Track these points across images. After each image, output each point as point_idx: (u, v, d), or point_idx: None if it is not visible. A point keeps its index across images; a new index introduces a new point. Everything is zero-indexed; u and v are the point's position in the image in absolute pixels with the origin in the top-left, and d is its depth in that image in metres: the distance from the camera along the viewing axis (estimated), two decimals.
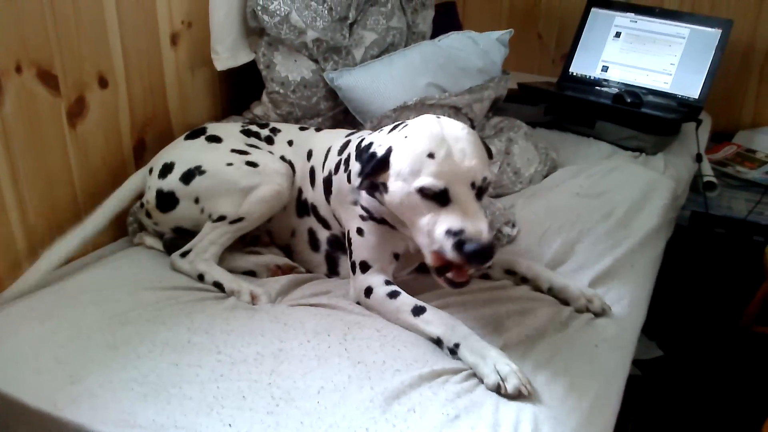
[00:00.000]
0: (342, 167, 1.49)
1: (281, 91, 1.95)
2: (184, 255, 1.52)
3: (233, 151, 1.57)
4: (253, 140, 1.66)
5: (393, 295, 1.36)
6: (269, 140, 1.69)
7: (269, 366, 1.21)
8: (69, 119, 1.56)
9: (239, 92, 2.10)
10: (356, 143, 1.49)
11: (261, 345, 1.26)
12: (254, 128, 1.72)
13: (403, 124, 1.37)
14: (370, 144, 1.38)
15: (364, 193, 1.41)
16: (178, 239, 1.59)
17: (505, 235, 1.71)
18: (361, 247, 1.44)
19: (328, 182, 1.53)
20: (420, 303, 1.33)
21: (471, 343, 1.23)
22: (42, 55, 1.46)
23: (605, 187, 1.94)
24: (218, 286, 1.47)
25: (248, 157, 1.56)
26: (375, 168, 1.32)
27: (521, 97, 2.43)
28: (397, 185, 1.29)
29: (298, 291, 1.48)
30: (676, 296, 2.34)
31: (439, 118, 1.35)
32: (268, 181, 1.54)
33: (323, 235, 1.57)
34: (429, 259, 1.27)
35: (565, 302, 1.43)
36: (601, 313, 1.40)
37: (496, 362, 1.17)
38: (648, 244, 1.73)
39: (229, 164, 1.53)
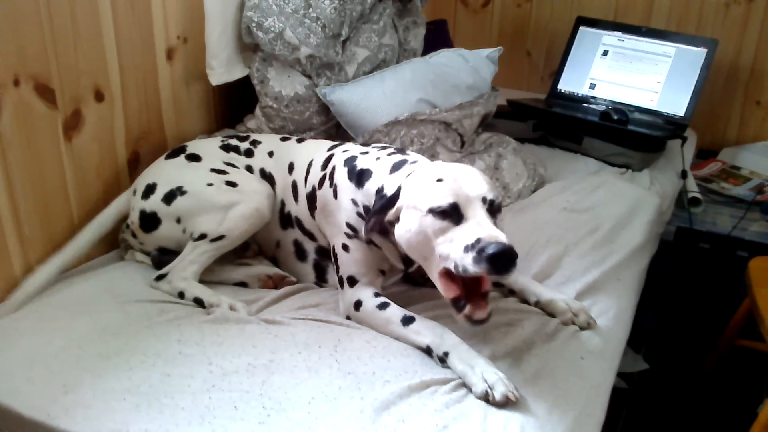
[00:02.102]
0: (327, 182, 1.52)
1: (274, 105, 1.98)
2: (160, 278, 1.53)
3: (213, 170, 1.60)
4: (232, 155, 1.68)
5: (382, 306, 1.38)
6: (249, 153, 1.70)
7: (260, 377, 1.22)
8: (65, 132, 1.57)
9: (233, 106, 2.12)
10: (343, 158, 1.52)
11: (252, 356, 1.28)
12: (234, 142, 1.73)
13: (408, 170, 1.38)
14: (378, 183, 1.40)
15: (354, 215, 1.44)
16: (163, 256, 1.61)
17: None
18: (348, 263, 1.46)
19: (311, 198, 1.55)
20: (409, 313, 1.35)
21: (460, 352, 1.25)
22: (39, 69, 1.48)
23: (592, 202, 1.97)
24: (198, 301, 1.48)
25: (228, 177, 1.59)
26: (384, 205, 1.33)
27: (510, 113, 2.44)
28: (408, 214, 1.29)
29: (288, 302, 1.50)
30: (662, 310, 2.37)
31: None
32: (247, 199, 1.56)
33: (310, 245, 1.59)
34: (443, 290, 1.25)
35: (551, 315, 1.45)
36: (587, 326, 1.43)
37: (483, 371, 1.20)
38: (633, 259, 1.76)
39: (210, 184, 1.56)
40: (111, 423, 1.11)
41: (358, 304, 1.40)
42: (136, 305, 1.43)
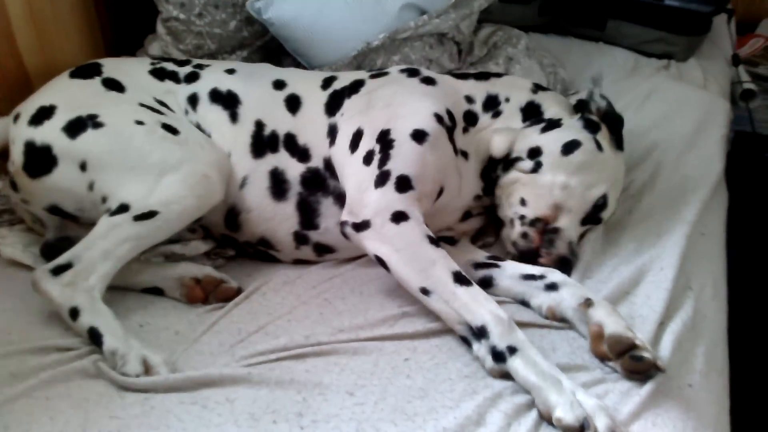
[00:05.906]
0: (405, 73, 1.23)
1: (181, 16, 1.46)
2: (59, 271, 0.99)
3: (143, 105, 1.14)
4: (168, 84, 1.23)
5: (433, 240, 1.02)
6: (192, 77, 1.25)
7: None
8: None
9: (128, 27, 1.58)
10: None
11: None
12: (170, 66, 1.28)
13: None
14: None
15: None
16: (63, 242, 1.10)
17: None
18: (411, 157, 1.08)
19: (353, 87, 1.21)
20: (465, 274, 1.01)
21: (530, 354, 0.90)
22: None
23: (645, 121, 1.50)
24: (94, 337, 0.95)
25: (165, 118, 1.13)
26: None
27: None
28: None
29: (230, 324, 0.99)
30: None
31: None
32: (193, 158, 1.09)
33: (295, 172, 1.17)
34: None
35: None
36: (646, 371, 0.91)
37: (573, 390, 0.86)
38: (716, 197, 1.30)
39: (139, 122, 1.10)
40: None
41: (399, 216, 1.02)
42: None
